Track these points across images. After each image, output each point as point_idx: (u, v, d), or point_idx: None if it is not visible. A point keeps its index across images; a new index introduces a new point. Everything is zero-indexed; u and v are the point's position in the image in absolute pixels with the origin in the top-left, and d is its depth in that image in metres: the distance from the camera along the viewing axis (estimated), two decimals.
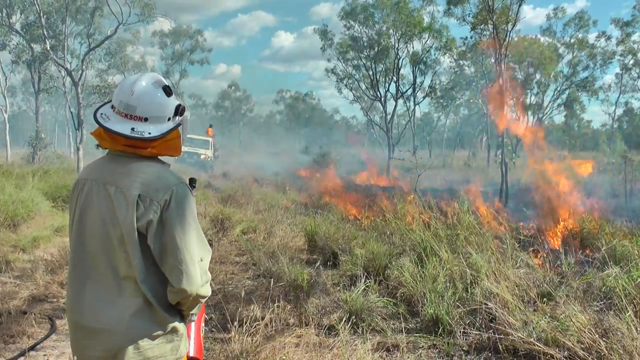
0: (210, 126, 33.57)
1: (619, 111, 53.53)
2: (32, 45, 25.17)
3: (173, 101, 1.96)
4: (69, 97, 27.62)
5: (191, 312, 2.02)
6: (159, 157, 2.02)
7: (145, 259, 1.87)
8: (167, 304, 1.92)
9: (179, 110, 1.97)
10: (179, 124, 1.98)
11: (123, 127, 1.87)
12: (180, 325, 1.97)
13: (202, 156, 27.64)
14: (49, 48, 21.74)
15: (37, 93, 27.19)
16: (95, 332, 1.89)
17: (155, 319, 1.90)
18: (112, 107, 1.92)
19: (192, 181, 2.64)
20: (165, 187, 1.87)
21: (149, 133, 1.88)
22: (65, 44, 24.03)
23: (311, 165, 27.76)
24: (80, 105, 21.33)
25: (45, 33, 22.10)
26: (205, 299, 1.99)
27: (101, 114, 1.92)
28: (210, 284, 2.01)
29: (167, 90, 1.94)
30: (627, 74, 44.57)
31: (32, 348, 4.24)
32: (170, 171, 1.97)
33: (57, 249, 6.81)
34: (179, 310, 1.97)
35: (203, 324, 2.18)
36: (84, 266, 1.94)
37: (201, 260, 1.90)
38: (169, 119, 1.94)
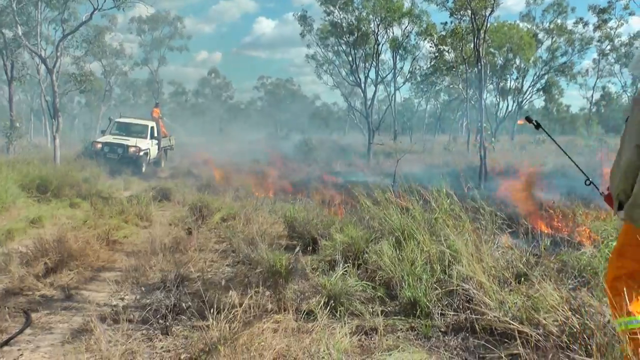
0: (157, 105, 24.59)
1: (597, 95, 54.39)
2: (2, 31, 24.48)
3: None
4: (44, 86, 27.00)
5: None
6: None
7: None
8: None
9: None
10: None
11: None
12: None
13: (132, 149, 19.20)
14: (21, 34, 21.16)
15: (10, 81, 26.46)
16: None
17: None
18: None
19: None
20: None
21: None
22: (39, 30, 23.44)
23: (292, 152, 27.70)
24: (56, 93, 20.86)
25: (17, 19, 21.49)
26: None
27: None
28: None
29: None
30: (604, 59, 45.27)
31: (6, 343, 4.15)
32: None
33: (32, 241, 6.64)
34: None
35: None
36: None
37: None
38: None
